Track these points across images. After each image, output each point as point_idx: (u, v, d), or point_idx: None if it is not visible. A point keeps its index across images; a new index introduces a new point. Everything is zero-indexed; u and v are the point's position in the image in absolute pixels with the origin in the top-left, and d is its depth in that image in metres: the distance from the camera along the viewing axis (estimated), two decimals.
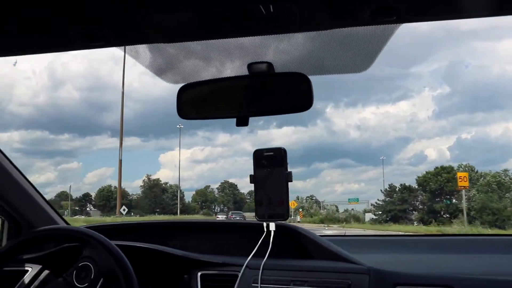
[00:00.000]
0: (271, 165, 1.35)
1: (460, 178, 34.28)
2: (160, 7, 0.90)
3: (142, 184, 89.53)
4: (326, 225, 39.17)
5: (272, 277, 1.53)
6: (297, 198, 62.12)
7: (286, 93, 1.16)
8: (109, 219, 33.03)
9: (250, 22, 0.97)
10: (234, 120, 1.19)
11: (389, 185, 50.31)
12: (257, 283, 1.51)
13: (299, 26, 0.99)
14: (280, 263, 1.57)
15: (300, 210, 54.47)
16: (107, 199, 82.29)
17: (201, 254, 1.68)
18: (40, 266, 1.72)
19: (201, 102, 1.23)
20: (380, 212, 47.94)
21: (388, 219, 45.00)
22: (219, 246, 1.86)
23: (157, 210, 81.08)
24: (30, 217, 1.89)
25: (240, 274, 1.55)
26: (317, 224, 41.98)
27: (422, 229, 31.17)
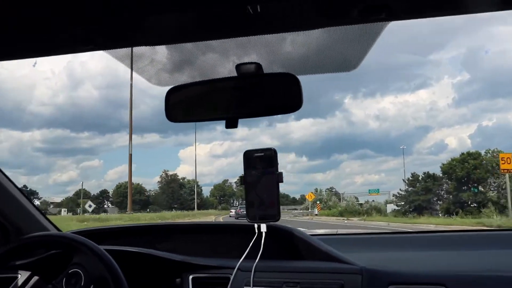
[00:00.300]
0: (261, 166, 1.33)
1: (503, 160, 28.64)
2: (148, 9, 0.90)
3: (160, 180, 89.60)
4: (345, 218, 37.52)
5: (264, 279, 1.54)
6: (316, 190, 61.42)
7: (275, 94, 1.16)
8: (126, 216, 33.43)
9: (237, 23, 0.98)
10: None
11: (411, 174, 48.71)
12: (249, 286, 1.53)
13: (287, 26, 1.00)
14: (272, 265, 1.59)
15: (318, 202, 53.65)
16: (124, 195, 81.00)
17: (192, 257, 1.70)
18: (29, 273, 1.73)
19: (189, 105, 1.23)
20: (403, 203, 46.16)
21: (411, 209, 43.35)
22: (210, 249, 1.88)
23: (175, 206, 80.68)
24: (19, 224, 1.90)
25: (232, 277, 1.57)
26: (336, 217, 40.43)
27: (457, 221, 27.04)
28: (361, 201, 54.88)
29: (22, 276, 1.74)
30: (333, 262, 1.59)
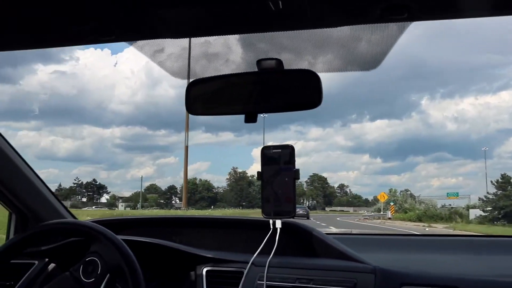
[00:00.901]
0: (279, 162, 1.34)
1: None
2: (169, 3, 0.91)
3: (228, 177, 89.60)
4: (426, 224, 29.70)
5: (277, 274, 1.55)
6: (390, 190, 56.65)
7: (295, 90, 1.18)
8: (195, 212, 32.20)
9: (259, 19, 0.99)
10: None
11: (501, 175, 41.27)
12: (263, 281, 1.53)
13: (308, 23, 1.01)
14: (286, 261, 1.60)
15: (392, 204, 46.49)
16: (191, 192, 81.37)
17: (207, 250, 1.70)
18: (46, 260, 1.74)
19: (210, 98, 1.25)
20: (491, 208, 37.32)
21: (500, 216, 35.70)
22: (225, 243, 1.89)
23: (243, 203, 79.87)
24: (38, 211, 1.94)
25: (245, 271, 1.57)
26: (413, 222, 33.06)
27: None
28: (438, 205, 49.42)
29: (39, 263, 1.77)
30: (347, 261, 1.60)
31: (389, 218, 39.93)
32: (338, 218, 43.14)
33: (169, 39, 1.11)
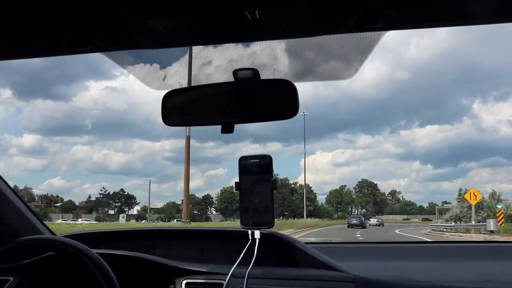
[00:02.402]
0: (256, 172, 1.34)
1: None
2: (148, 13, 0.91)
3: None
4: None
5: (257, 285, 1.55)
6: (459, 192, 43.14)
7: (271, 100, 1.18)
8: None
9: (236, 28, 0.99)
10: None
11: None
12: None
13: (285, 33, 1.01)
14: (266, 272, 1.59)
15: (499, 207, 29.92)
16: (229, 201, 77.67)
17: (186, 262, 1.68)
18: (21, 276, 1.69)
19: (186, 109, 1.24)
20: None
21: None
22: (204, 254, 1.86)
23: (286, 213, 74.86)
24: (14, 227, 1.90)
25: (225, 283, 1.56)
26: None
27: None
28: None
29: (14, 279, 1.72)
30: (327, 270, 1.60)
31: (491, 231, 24.62)
32: (397, 231, 35.39)
33: (146, 50, 1.11)
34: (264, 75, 1.16)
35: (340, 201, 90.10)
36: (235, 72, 1.15)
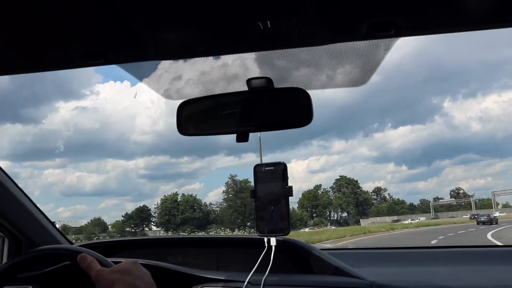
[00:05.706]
0: (272, 180, 1.34)
1: None
2: (160, 25, 0.93)
3: (225, 190, 72.29)
4: None
5: None
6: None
7: (285, 108, 1.19)
8: None
9: (248, 38, 1.00)
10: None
11: None
12: None
13: (297, 42, 1.02)
14: (282, 279, 1.59)
15: None
16: (171, 213, 67.54)
17: (202, 270, 1.69)
18: (40, 285, 1.72)
19: (200, 118, 1.26)
20: None
21: None
22: (220, 262, 1.86)
23: (248, 224, 64.47)
24: (31, 235, 1.93)
25: None
26: None
27: None
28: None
29: None
30: (343, 277, 1.60)
31: None
32: None
33: (159, 61, 1.12)
34: (278, 83, 1.17)
35: (315, 204, 79.30)
36: (248, 81, 1.17)
